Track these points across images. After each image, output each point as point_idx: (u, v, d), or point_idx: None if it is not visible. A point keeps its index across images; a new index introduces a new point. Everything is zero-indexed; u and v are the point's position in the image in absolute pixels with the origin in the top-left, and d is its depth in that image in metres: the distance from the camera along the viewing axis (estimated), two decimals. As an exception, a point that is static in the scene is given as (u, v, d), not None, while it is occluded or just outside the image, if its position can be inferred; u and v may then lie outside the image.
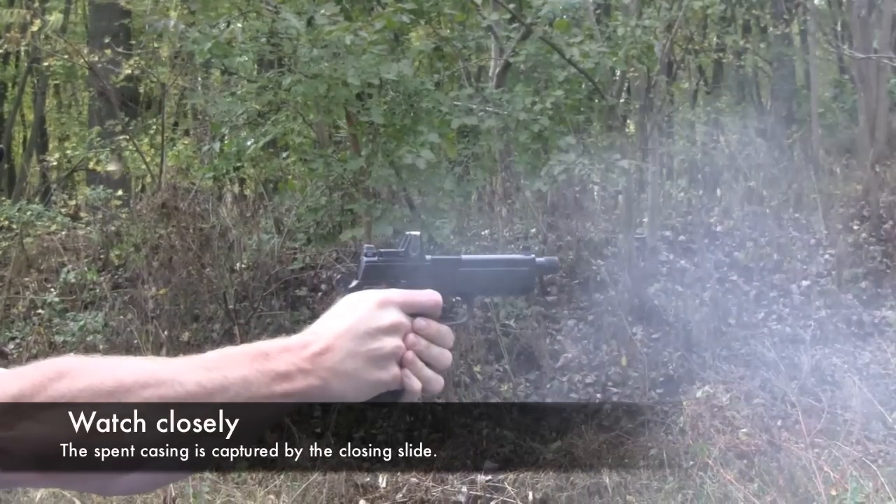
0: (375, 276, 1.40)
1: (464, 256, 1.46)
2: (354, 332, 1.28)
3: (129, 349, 8.49)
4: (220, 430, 1.19)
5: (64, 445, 1.07)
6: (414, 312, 1.34)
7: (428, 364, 1.34)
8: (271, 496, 6.24)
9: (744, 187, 11.89)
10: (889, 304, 8.77)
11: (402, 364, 1.32)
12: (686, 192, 13.30)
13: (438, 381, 1.36)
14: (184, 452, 1.21)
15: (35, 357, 8.24)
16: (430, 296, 1.36)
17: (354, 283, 1.40)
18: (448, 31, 10.42)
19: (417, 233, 1.43)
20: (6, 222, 10.86)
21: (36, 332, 8.79)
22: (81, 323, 8.73)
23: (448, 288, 1.41)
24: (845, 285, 9.11)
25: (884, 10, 13.53)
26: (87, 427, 1.08)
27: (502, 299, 8.38)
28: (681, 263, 9.86)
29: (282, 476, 6.52)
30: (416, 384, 1.33)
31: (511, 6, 9.33)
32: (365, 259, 1.41)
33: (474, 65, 12.21)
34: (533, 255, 1.50)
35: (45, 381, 1.09)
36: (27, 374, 1.11)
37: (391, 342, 1.30)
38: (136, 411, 1.11)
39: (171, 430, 1.13)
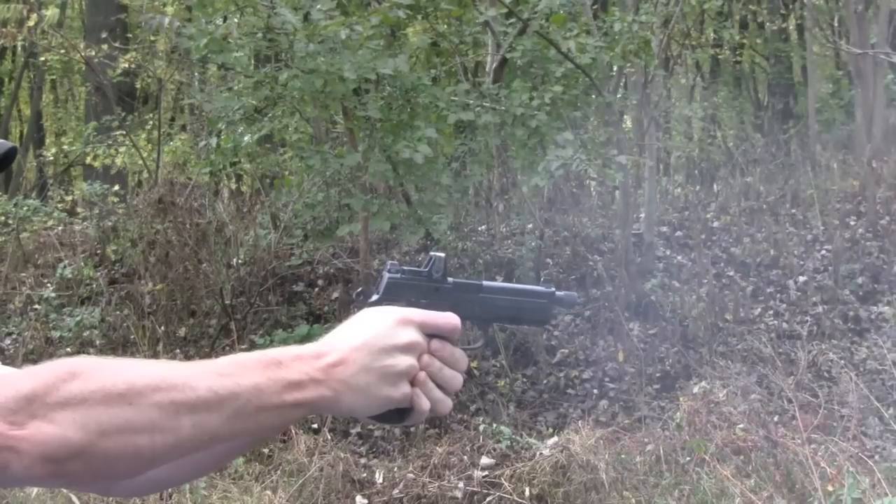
0: (396, 294, 1.40)
1: (485, 283, 1.46)
2: (371, 347, 1.28)
3: (126, 345, 8.48)
4: (230, 436, 1.19)
5: (75, 446, 1.07)
6: (431, 333, 1.35)
7: (439, 386, 1.34)
8: (268, 492, 6.24)
9: (741, 183, 11.90)
10: (885, 299, 8.78)
11: (413, 383, 1.32)
12: (683, 187, 13.31)
13: (447, 404, 1.36)
14: (191, 457, 1.21)
15: (32, 353, 8.25)
16: (449, 318, 1.36)
17: (374, 297, 1.40)
18: (445, 26, 10.41)
19: (443, 255, 1.43)
20: (2, 217, 10.86)
21: (32, 327, 8.78)
22: (78, 318, 8.73)
23: (466, 313, 1.41)
24: (842, 281, 9.11)
25: (881, 5, 13.54)
26: (99, 428, 1.08)
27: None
28: (677, 259, 9.87)
29: (278, 472, 6.52)
30: (426, 404, 1.33)
31: (508, 1, 9.33)
32: (388, 275, 1.41)
33: (471, 60, 12.21)
34: (553, 289, 1.50)
35: (58, 381, 1.09)
36: (39, 373, 1.11)
37: (406, 361, 1.30)
38: (148, 414, 1.11)
39: (181, 434, 1.13)
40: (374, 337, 1.29)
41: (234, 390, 1.17)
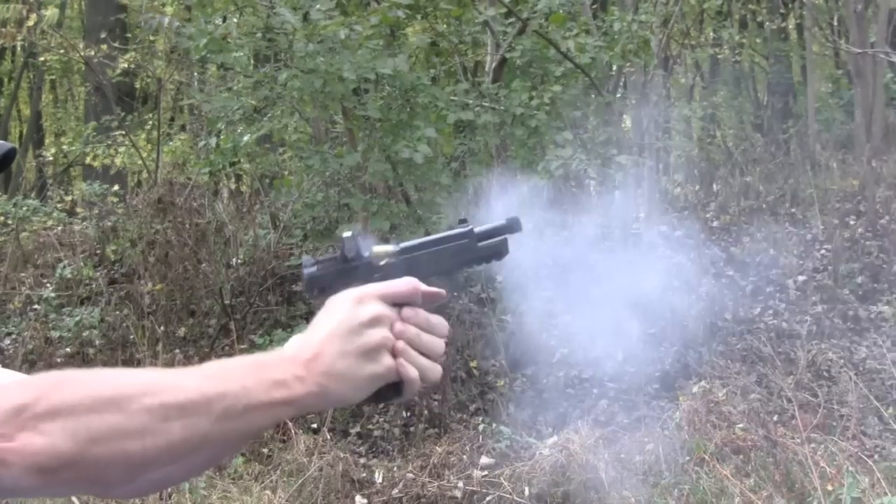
0: (318, 285, 1.40)
1: (402, 245, 1.45)
2: (338, 332, 1.27)
3: (125, 345, 8.48)
4: (220, 436, 1.19)
5: (66, 456, 1.07)
6: (395, 302, 1.34)
7: (422, 353, 1.33)
8: (267, 492, 6.24)
9: (740, 182, 11.90)
10: (885, 299, 8.78)
11: (395, 355, 1.31)
12: (682, 187, 13.31)
13: (435, 369, 1.35)
14: (185, 457, 1.21)
15: (31, 353, 8.25)
16: (406, 283, 1.35)
17: (307, 294, 1.42)
18: (444, 26, 10.41)
19: (349, 233, 1.42)
20: (2, 217, 10.85)
21: (32, 327, 8.78)
22: (77, 318, 8.72)
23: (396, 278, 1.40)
24: (841, 280, 9.11)
25: (880, 4, 13.53)
26: (89, 436, 1.08)
27: (500, 293, 8.39)
28: (677, 259, 9.87)
29: (278, 472, 6.52)
30: (413, 372, 1.31)
31: (507, 0, 9.33)
32: (305, 271, 1.41)
33: (470, 60, 12.21)
34: (471, 227, 1.50)
35: (45, 391, 1.08)
36: (27, 385, 1.11)
37: (377, 333, 1.29)
38: (137, 419, 1.11)
39: (174, 437, 1.13)
40: (338, 322, 1.28)
41: (222, 391, 1.17)
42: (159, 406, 1.12)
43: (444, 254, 1.48)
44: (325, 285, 1.39)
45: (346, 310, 1.30)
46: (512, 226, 1.53)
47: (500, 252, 1.54)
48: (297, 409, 1.25)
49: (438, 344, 1.36)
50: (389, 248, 1.43)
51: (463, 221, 1.51)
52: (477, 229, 1.50)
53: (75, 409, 1.08)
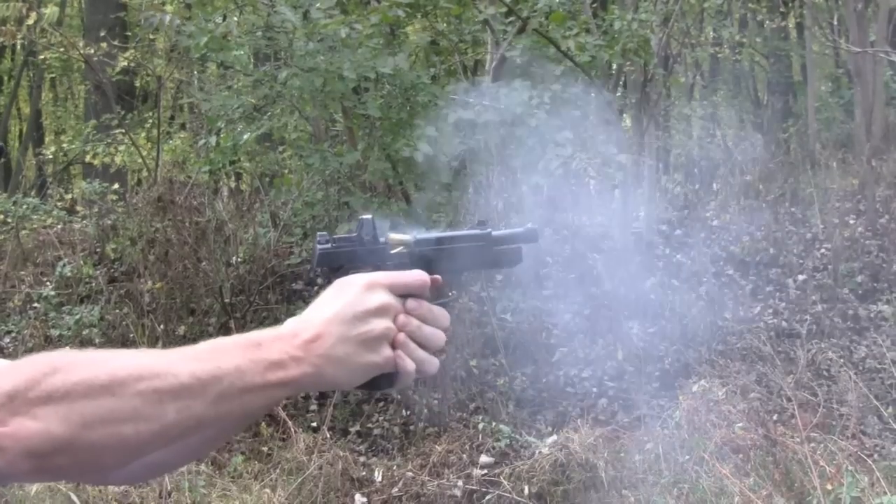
0: (329, 263, 1.39)
1: (417, 237, 1.45)
2: (343, 317, 1.27)
3: (125, 343, 8.48)
4: (215, 419, 1.19)
5: (59, 440, 1.07)
6: (403, 293, 1.34)
7: (421, 345, 1.34)
8: (267, 490, 6.24)
9: (740, 181, 11.90)
10: (885, 298, 8.78)
11: (394, 346, 1.31)
12: (682, 186, 13.31)
13: (433, 363, 1.35)
14: (180, 440, 1.21)
15: (31, 351, 8.24)
16: (416, 276, 1.36)
17: (313, 270, 1.42)
18: (444, 24, 10.40)
19: (370, 216, 1.42)
20: (2, 216, 10.84)
21: (32, 325, 8.78)
22: (77, 317, 8.72)
23: (406, 269, 1.39)
24: (841, 280, 9.12)
25: (880, 4, 13.53)
26: (83, 420, 1.08)
27: (497, 292, 8.40)
28: (677, 258, 9.87)
29: (277, 470, 6.52)
30: (410, 365, 1.32)
31: None
32: (318, 247, 1.40)
33: (470, 59, 12.21)
34: (489, 230, 1.50)
35: (39, 376, 1.09)
36: (20, 369, 1.11)
37: (381, 324, 1.30)
38: (131, 403, 1.11)
39: (168, 420, 1.13)
40: (344, 306, 1.28)
41: (216, 374, 1.17)
42: (153, 391, 1.12)
43: (458, 252, 1.48)
44: (336, 264, 1.39)
45: (353, 294, 1.30)
46: (528, 235, 1.53)
47: (513, 260, 1.54)
48: (292, 390, 1.26)
49: (439, 336, 1.36)
50: (406, 237, 1.42)
51: (482, 223, 1.51)
52: (494, 233, 1.50)
53: (69, 395, 1.08)
